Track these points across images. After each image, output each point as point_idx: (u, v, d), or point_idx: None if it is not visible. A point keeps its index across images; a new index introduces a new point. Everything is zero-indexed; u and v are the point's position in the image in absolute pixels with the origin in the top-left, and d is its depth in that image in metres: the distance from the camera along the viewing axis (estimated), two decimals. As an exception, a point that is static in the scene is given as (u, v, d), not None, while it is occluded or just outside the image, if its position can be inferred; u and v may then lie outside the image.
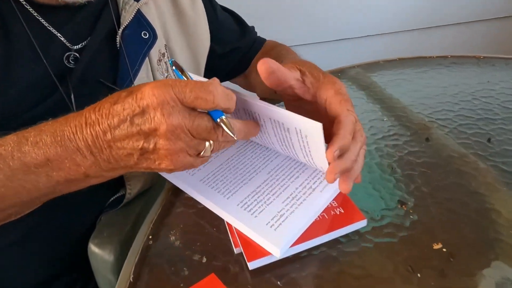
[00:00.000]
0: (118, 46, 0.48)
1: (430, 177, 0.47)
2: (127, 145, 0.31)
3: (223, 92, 0.31)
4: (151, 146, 0.31)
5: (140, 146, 0.31)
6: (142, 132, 0.30)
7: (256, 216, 0.39)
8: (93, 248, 0.48)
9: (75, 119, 0.32)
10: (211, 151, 0.34)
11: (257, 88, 0.67)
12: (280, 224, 0.38)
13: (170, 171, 0.33)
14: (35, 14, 0.44)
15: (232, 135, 0.32)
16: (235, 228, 0.40)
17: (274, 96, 0.65)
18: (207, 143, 0.33)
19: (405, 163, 0.50)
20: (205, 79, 0.35)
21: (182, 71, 0.35)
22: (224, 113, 0.32)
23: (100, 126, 0.31)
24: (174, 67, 0.35)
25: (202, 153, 0.33)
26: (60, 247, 0.51)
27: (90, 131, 0.31)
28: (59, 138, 0.31)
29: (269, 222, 0.38)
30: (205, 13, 0.58)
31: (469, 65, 0.73)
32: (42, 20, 0.44)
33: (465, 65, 0.73)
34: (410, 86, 0.68)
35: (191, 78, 0.35)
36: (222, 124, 0.32)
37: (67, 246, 0.52)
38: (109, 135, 0.31)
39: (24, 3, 0.43)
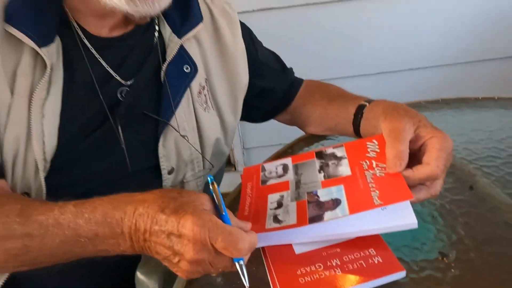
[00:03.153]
0: (162, 80, 0.52)
1: (474, 229, 0.45)
2: (158, 248, 0.37)
3: (249, 247, 0.37)
4: (175, 260, 0.36)
5: (167, 255, 0.36)
6: (173, 248, 0.36)
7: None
8: (139, 276, 0.51)
9: (126, 206, 0.37)
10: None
11: (307, 125, 0.66)
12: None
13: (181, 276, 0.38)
14: (97, 55, 0.48)
15: (245, 283, 0.37)
16: (274, 271, 0.41)
17: (327, 132, 0.65)
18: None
19: (447, 212, 0.48)
20: (242, 224, 0.39)
21: (218, 197, 0.39)
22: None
23: (143, 223, 0.36)
24: (212, 190, 0.39)
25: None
26: (107, 273, 0.54)
27: (135, 222, 0.37)
28: (109, 220, 0.37)
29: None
30: (244, 49, 0.60)
31: (517, 108, 0.71)
32: (101, 60, 0.49)
33: (514, 108, 0.71)
34: (453, 129, 0.66)
35: (224, 207, 0.38)
36: (238, 268, 0.37)
37: (114, 273, 0.54)
38: (148, 235, 0.37)
39: (88, 44, 0.48)
